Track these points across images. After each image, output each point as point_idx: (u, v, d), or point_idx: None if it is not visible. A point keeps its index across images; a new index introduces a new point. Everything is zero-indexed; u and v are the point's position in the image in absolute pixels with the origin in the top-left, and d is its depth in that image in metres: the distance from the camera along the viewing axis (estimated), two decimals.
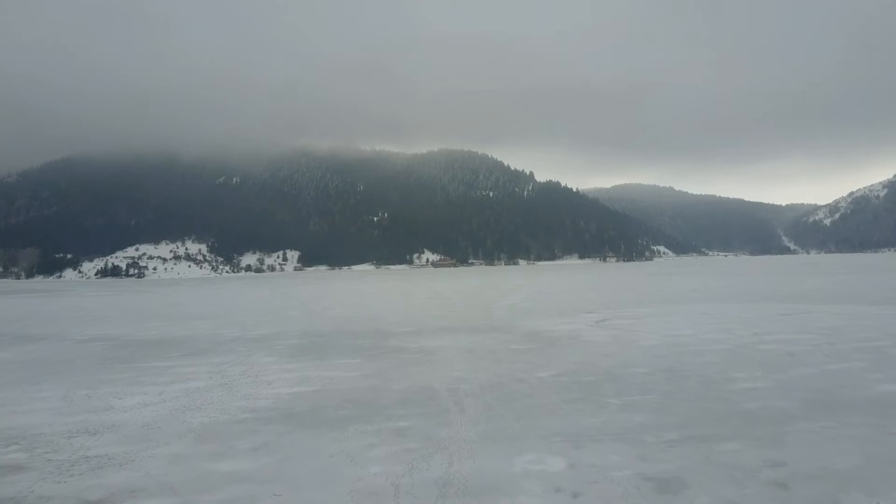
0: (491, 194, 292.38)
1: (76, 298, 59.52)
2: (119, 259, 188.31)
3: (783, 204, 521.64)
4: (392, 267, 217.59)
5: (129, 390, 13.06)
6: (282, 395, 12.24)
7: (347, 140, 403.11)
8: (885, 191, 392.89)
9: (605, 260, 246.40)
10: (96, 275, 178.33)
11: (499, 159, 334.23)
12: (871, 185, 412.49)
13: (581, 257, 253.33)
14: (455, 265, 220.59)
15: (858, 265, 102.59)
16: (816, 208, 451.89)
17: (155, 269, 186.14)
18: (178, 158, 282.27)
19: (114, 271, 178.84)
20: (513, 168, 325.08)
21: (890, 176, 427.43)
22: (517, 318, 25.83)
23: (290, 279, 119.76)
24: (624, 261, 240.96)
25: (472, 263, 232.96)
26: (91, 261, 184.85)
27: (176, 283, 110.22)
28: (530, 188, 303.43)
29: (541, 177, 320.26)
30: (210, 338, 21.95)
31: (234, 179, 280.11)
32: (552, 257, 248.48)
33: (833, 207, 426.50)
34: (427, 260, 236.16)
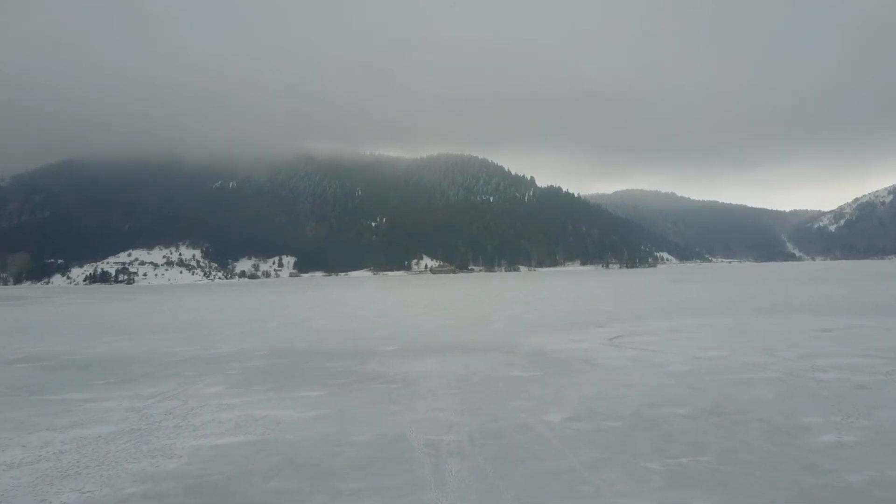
0: (491, 199, 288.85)
1: (45, 307, 56.36)
2: (109, 265, 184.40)
3: (787, 210, 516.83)
4: (390, 273, 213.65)
5: (8, 439, 9.91)
6: (202, 449, 9.08)
7: (349, 144, 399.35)
8: (891, 197, 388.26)
9: (607, 266, 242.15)
10: (85, 281, 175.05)
11: (499, 164, 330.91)
12: (877, 191, 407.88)
13: (583, 263, 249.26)
14: (454, 272, 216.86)
15: (872, 272, 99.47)
16: (821, 214, 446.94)
17: (145, 275, 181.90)
18: (177, 162, 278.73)
19: (103, 277, 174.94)
20: (513, 173, 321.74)
21: None
22: (519, 334, 22.66)
23: (282, 286, 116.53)
24: (627, 267, 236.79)
25: (472, 270, 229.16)
26: (81, 266, 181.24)
27: (163, 290, 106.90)
28: (531, 193, 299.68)
29: (542, 182, 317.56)
30: (160, 358, 18.81)
31: (231, 184, 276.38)
32: (554, 264, 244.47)
33: (838, 213, 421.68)
34: (426, 266, 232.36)
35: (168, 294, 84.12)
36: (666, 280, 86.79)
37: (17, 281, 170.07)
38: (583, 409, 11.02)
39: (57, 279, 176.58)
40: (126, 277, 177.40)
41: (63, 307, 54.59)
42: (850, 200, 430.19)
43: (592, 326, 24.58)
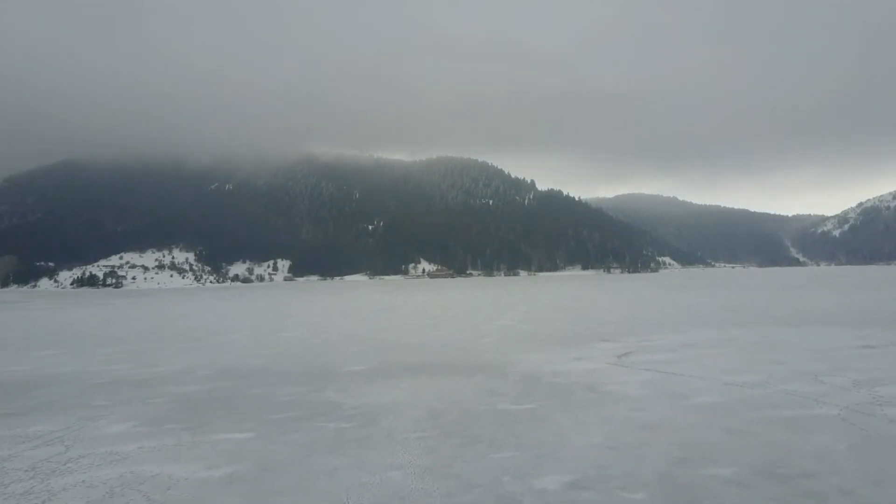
0: (491, 203, 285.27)
1: (8, 313, 53.26)
2: (99, 268, 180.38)
3: (790, 214, 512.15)
4: (387, 277, 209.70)
5: None
6: None
7: (352, 147, 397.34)
8: None
9: (609, 271, 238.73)
10: (72, 284, 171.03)
11: (499, 167, 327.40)
12: (881, 196, 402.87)
13: (584, 268, 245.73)
14: (452, 276, 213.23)
15: (883, 278, 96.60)
16: (824, 219, 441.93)
17: (134, 278, 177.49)
18: (176, 164, 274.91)
19: (90, 281, 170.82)
20: (513, 176, 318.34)
21: None
22: (512, 350, 19.65)
23: (273, 290, 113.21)
24: (629, 272, 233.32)
25: (471, 274, 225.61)
26: (70, 269, 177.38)
27: (146, 295, 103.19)
28: (531, 197, 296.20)
29: (542, 185, 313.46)
30: (83, 379, 15.87)
31: (228, 186, 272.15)
32: (554, 268, 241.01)
33: (842, 218, 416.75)
34: (423, 270, 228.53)
35: (149, 299, 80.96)
36: (671, 285, 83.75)
37: (4, 284, 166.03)
38: (590, 466, 8.06)
39: (44, 283, 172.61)
40: (114, 281, 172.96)
41: (27, 313, 51.54)
42: (854, 205, 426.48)
43: (597, 340, 21.58)
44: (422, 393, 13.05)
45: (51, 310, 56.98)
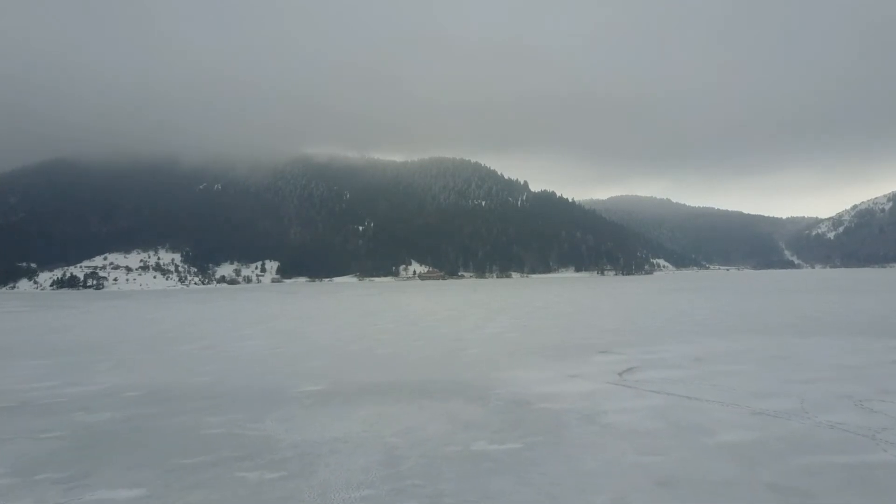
0: (483, 204, 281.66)
1: None
2: (81, 269, 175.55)
3: (784, 217, 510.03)
4: (377, 279, 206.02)
5: None
6: None
7: (348, 148, 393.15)
8: (891, 204, 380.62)
9: (602, 273, 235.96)
10: (52, 286, 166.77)
11: (492, 168, 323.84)
12: (876, 198, 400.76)
13: (577, 270, 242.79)
14: (444, 278, 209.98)
15: (884, 282, 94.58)
16: (818, 221, 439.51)
17: (116, 280, 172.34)
18: (168, 164, 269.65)
19: (71, 282, 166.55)
20: (506, 177, 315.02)
21: (895, 188, 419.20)
22: (497, 365, 17.16)
23: (256, 293, 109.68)
24: (623, 274, 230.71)
25: (462, 276, 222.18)
26: (51, 270, 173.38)
27: (122, 297, 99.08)
28: (524, 198, 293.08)
29: (535, 187, 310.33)
30: None
31: (216, 186, 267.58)
32: (547, 270, 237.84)
33: (836, 220, 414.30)
34: (414, 272, 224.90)
35: (123, 301, 77.62)
36: (667, 289, 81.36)
37: None
38: None
39: (23, 284, 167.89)
40: (95, 283, 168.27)
41: None
42: (848, 207, 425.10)
43: (593, 352, 19.11)
44: (380, 425, 10.55)
45: (10, 313, 53.84)
